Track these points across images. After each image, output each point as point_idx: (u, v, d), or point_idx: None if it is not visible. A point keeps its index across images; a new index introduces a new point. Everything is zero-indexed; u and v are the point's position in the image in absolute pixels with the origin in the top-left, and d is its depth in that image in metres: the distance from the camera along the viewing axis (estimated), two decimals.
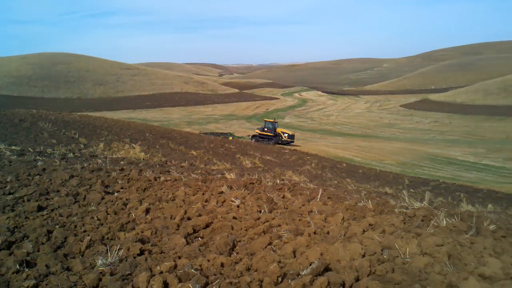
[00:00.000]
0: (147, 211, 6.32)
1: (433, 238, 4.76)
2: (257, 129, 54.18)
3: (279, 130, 52.22)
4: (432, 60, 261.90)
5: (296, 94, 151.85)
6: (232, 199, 6.96)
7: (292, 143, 51.54)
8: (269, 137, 51.49)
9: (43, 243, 4.77)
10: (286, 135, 51.63)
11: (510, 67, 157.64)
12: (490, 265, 4.02)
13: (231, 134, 53.37)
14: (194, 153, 21.36)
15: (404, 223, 5.81)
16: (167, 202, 6.85)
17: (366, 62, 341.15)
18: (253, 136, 52.65)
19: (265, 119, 56.98)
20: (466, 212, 7.17)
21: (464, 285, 3.42)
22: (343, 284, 3.75)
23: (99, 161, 10.93)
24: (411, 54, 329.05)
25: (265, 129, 52.37)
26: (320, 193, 7.68)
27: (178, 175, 9.27)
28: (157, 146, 20.77)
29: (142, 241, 4.94)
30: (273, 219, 5.85)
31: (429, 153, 52.18)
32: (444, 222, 5.63)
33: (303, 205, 6.82)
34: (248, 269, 4.18)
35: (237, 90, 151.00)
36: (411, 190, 18.91)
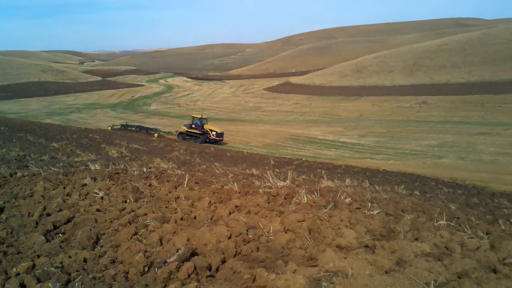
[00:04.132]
0: (2, 210, 5.86)
1: (295, 215, 4.99)
2: (184, 125, 48.57)
3: (207, 127, 47.12)
4: (291, 45, 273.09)
5: (162, 81, 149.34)
6: (96, 191, 6.69)
7: (221, 142, 46.83)
8: (196, 135, 46.92)
9: None
10: (214, 133, 46.42)
11: (362, 50, 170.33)
12: (346, 235, 4.32)
13: (156, 130, 48.61)
14: (56, 145, 20.08)
15: (268, 202, 6.02)
16: (24, 199, 6.38)
17: (229, 48, 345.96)
18: (180, 133, 47.79)
19: (192, 115, 50.65)
20: (325, 188, 7.63)
21: (322, 256, 3.62)
22: (209, 267, 3.79)
23: None
24: (272, 39, 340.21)
25: (193, 125, 47.39)
26: (187, 178, 7.67)
27: (37, 169, 8.70)
28: (14, 140, 19.21)
29: None
30: (139, 208, 5.74)
31: (292, 134, 54.73)
32: (305, 198, 5.93)
33: (170, 192, 6.76)
34: (113, 262, 4.08)
35: (100, 78, 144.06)
36: (277, 170, 19.68)
